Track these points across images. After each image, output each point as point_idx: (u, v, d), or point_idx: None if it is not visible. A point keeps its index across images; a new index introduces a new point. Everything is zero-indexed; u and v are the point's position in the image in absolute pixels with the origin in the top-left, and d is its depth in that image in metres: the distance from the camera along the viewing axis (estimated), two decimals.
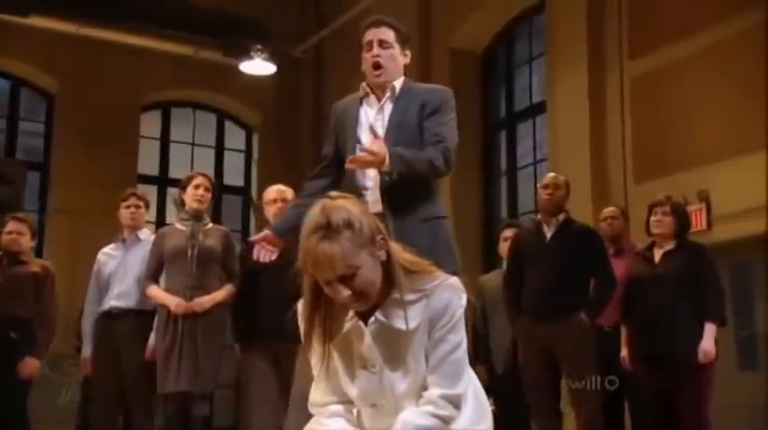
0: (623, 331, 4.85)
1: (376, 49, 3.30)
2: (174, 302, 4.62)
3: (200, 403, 4.63)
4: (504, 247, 5.56)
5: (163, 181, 10.02)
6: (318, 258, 1.97)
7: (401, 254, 2.11)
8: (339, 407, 2.15)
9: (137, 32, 9.14)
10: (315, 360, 2.14)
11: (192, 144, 10.31)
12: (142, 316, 4.92)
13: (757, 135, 5.86)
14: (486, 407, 2.22)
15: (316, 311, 2.10)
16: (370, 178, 3.23)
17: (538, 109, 8.24)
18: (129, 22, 8.97)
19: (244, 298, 4.74)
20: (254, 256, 3.37)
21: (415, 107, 3.26)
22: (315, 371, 2.16)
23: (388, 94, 3.33)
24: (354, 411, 2.17)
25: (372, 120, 3.29)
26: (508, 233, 5.57)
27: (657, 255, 4.72)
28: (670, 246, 4.70)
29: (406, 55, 3.39)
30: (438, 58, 8.64)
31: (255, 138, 10.67)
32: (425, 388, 2.08)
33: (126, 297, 5.00)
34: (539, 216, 5.06)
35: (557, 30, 7.55)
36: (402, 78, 3.37)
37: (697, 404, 4.47)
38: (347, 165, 3.14)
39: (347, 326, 2.10)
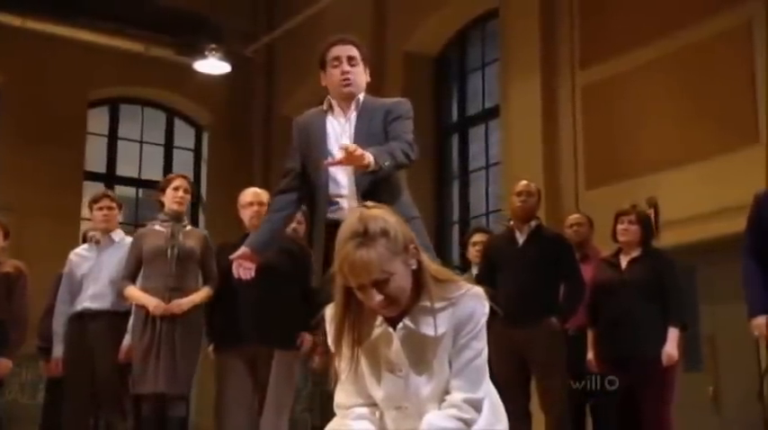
0: (590, 334, 4.98)
1: (346, 65, 3.48)
2: (152, 303, 4.59)
3: (177, 404, 4.62)
4: (473, 252, 5.66)
5: (110, 178, 9.86)
6: (355, 263, 2.04)
7: (430, 264, 2.19)
8: (364, 410, 2.21)
9: (85, 27, 8.96)
10: (343, 363, 2.20)
11: (141, 142, 10.20)
12: (116, 317, 4.89)
13: (704, 144, 6.10)
14: (501, 409, 2.31)
15: (346, 316, 2.16)
16: (344, 186, 3.38)
17: (490, 113, 8.38)
18: (79, 18, 8.81)
19: (220, 300, 4.73)
20: (235, 274, 3.50)
21: (379, 116, 3.45)
22: (342, 375, 2.22)
23: (353, 106, 3.50)
24: (377, 413, 2.23)
25: (339, 131, 3.46)
26: (477, 238, 5.68)
27: (624, 261, 4.88)
28: (636, 253, 4.86)
29: (367, 72, 3.57)
30: (392, 62, 8.71)
31: (205, 136, 10.60)
32: (448, 391, 2.17)
33: (100, 298, 4.96)
34: (511, 222, 5.16)
35: (510, 35, 7.68)
36: (364, 93, 3.55)
37: (659, 405, 4.63)
38: (327, 163, 3.24)
39: (376, 331, 2.16)
